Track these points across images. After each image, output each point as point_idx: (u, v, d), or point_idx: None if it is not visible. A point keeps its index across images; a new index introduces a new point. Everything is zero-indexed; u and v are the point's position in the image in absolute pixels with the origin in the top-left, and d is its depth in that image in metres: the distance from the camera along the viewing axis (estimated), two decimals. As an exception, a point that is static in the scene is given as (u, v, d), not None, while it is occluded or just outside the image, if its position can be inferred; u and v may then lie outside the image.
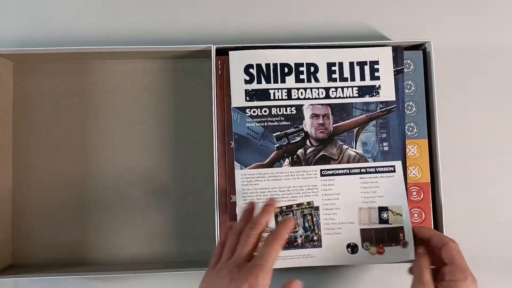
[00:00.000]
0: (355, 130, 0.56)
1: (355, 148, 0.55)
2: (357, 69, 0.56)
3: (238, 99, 0.55)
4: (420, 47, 0.58)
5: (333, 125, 0.55)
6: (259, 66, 0.55)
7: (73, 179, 0.59)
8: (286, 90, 0.55)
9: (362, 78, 0.56)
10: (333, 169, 0.55)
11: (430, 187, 0.55)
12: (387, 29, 0.61)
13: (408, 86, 0.57)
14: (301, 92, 0.55)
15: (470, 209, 0.60)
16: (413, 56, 0.57)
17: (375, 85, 0.56)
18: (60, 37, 0.60)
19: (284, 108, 0.55)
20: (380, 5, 0.62)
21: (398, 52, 0.57)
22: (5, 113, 0.58)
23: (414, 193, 0.56)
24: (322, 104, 0.55)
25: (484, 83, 0.61)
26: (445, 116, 0.59)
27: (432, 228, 0.55)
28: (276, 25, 0.61)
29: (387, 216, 0.54)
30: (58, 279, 0.57)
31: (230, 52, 0.55)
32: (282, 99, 0.55)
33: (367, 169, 0.55)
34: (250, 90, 0.55)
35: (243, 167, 0.54)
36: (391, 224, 0.54)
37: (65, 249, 0.58)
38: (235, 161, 0.54)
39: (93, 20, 0.61)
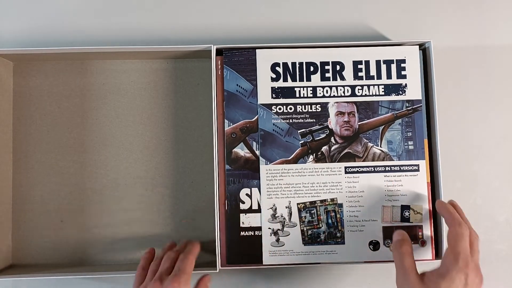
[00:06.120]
0: (381, 128, 0.56)
1: (380, 146, 0.56)
2: (383, 67, 0.56)
3: (264, 96, 0.56)
4: (420, 47, 0.58)
5: (359, 123, 0.56)
6: (285, 64, 0.56)
7: (73, 179, 0.59)
8: (311, 88, 0.56)
9: (389, 76, 0.56)
10: (357, 167, 0.55)
11: (430, 187, 0.55)
12: (387, 29, 0.61)
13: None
14: (327, 90, 0.56)
15: (470, 209, 0.60)
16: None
17: (401, 84, 0.56)
18: (60, 37, 0.60)
19: (309, 106, 0.56)
20: (380, 5, 0.62)
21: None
22: (5, 113, 0.58)
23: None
24: (347, 102, 0.56)
25: (484, 83, 0.61)
26: (445, 116, 0.59)
27: (432, 228, 0.55)
28: (276, 25, 0.61)
29: (409, 214, 0.55)
30: (58, 279, 0.57)
31: (257, 50, 0.56)
32: (307, 97, 0.56)
33: (392, 167, 0.55)
34: (276, 87, 0.56)
35: (268, 163, 0.55)
36: (411, 222, 0.55)
37: (65, 249, 0.58)
38: (260, 156, 0.55)
39: (93, 20, 0.61)
